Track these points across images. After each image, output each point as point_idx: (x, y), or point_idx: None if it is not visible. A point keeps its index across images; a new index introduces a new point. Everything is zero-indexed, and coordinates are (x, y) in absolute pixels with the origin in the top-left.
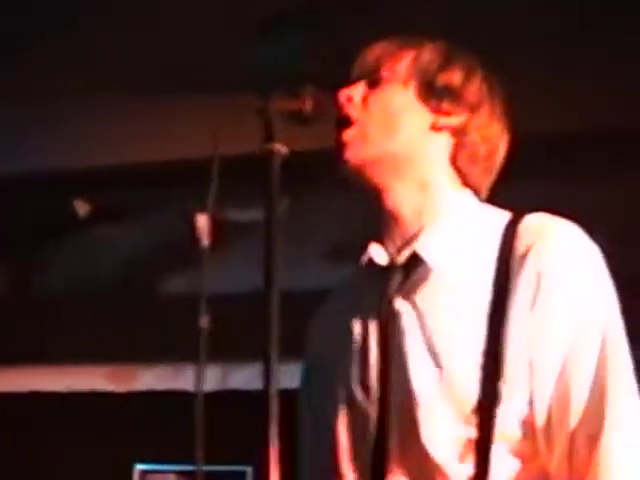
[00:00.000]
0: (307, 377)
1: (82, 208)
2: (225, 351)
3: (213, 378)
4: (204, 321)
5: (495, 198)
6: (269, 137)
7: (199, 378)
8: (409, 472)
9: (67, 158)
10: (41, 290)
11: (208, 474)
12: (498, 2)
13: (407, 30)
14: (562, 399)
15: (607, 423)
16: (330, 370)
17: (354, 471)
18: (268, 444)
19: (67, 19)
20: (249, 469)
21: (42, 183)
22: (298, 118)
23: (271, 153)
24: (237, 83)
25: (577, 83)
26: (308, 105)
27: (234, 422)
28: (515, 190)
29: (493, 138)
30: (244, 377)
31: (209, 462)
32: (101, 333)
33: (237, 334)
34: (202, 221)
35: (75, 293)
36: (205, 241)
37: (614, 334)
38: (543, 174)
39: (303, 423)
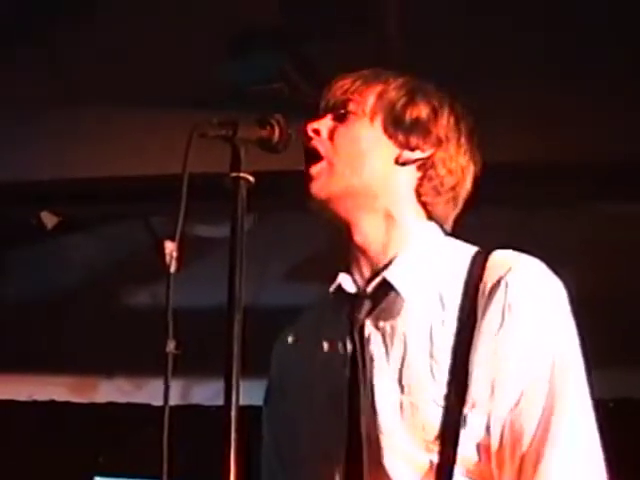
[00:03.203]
0: (270, 397)
1: (50, 220)
2: (187, 366)
3: (175, 393)
4: (170, 346)
5: (463, 225)
6: (236, 165)
7: (165, 400)
8: None
9: (33, 170)
10: (3, 300)
11: None
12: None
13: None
14: (516, 425)
15: (548, 447)
16: (294, 391)
17: None
18: (229, 460)
19: (36, 34)
20: None
21: (7, 193)
22: (266, 146)
23: (238, 181)
24: (206, 100)
25: (548, 113)
26: (276, 134)
27: (194, 437)
28: (483, 217)
29: (459, 171)
30: (206, 393)
31: (169, 477)
32: (62, 343)
33: (200, 349)
34: (170, 248)
35: (38, 303)
36: (172, 268)
37: (567, 368)
38: (510, 202)
39: (265, 441)
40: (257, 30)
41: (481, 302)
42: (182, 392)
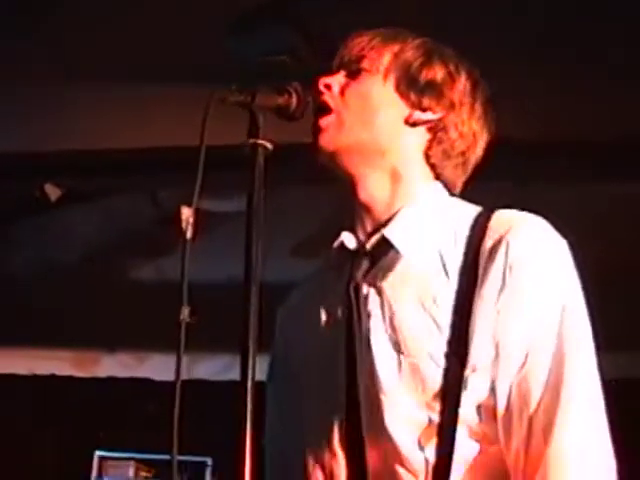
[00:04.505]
0: (274, 368)
1: (53, 192)
2: (192, 341)
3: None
4: (185, 313)
5: (467, 199)
6: (253, 132)
7: (178, 371)
8: (375, 456)
9: (37, 142)
10: (5, 273)
11: (169, 463)
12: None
13: (390, 23)
14: (523, 388)
15: (560, 412)
16: (297, 359)
17: (317, 461)
18: (244, 435)
19: (36, 5)
20: (209, 460)
21: (11, 166)
22: (284, 114)
23: (256, 148)
24: (217, 75)
25: (546, 91)
26: (294, 101)
27: (196, 413)
28: (484, 192)
29: (470, 136)
30: (211, 368)
31: (169, 452)
32: (65, 318)
33: (204, 325)
34: (187, 214)
35: (40, 277)
36: (189, 234)
37: (575, 326)
38: (514, 178)
39: (269, 412)
40: (264, 2)
41: (482, 262)
42: (186, 367)
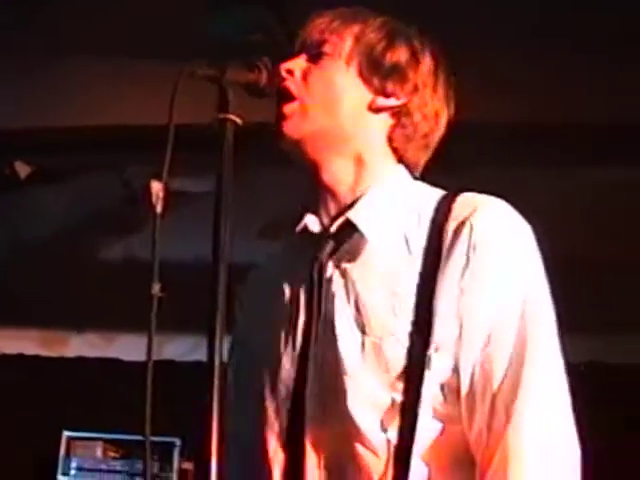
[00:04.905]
0: (234, 350)
1: (23, 170)
2: (159, 321)
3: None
4: (156, 288)
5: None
6: (223, 107)
7: (149, 347)
8: (327, 438)
9: (7, 119)
10: None
11: (138, 443)
12: None
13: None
14: (485, 368)
15: (522, 392)
16: (256, 341)
17: (277, 438)
18: (211, 416)
19: None
20: (177, 440)
21: None
22: (253, 90)
23: (225, 123)
24: (190, 54)
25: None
26: (264, 77)
27: (164, 393)
28: (457, 178)
29: (433, 117)
30: (179, 349)
31: (138, 432)
32: (33, 297)
33: (172, 305)
34: (156, 188)
35: (8, 255)
36: (159, 208)
37: (537, 309)
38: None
39: (228, 395)
40: None
41: (446, 243)
42: (155, 348)
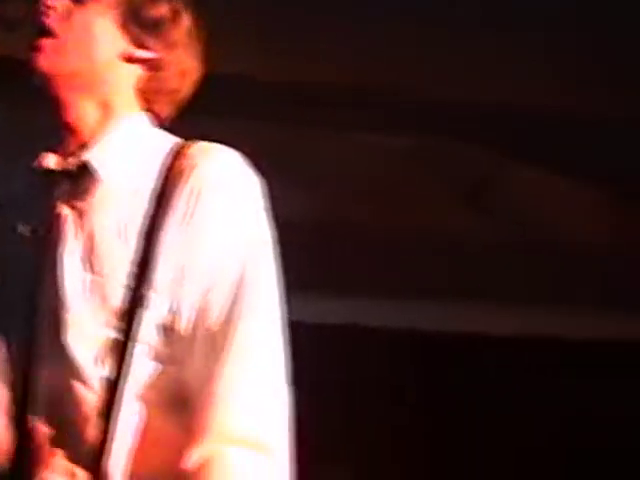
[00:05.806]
0: None
1: None
2: None
3: None
4: None
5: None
6: None
7: None
8: (52, 373)
9: None
10: None
11: None
12: None
13: None
14: (204, 311)
15: (236, 340)
16: None
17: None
18: None
19: None
20: None
21: None
22: (6, 22)
23: None
24: None
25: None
26: (15, 10)
27: None
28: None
29: (185, 74)
30: None
31: None
32: None
33: None
34: None
35: None
36: None
37: (260, 260)
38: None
39: None
40: None
41: (171, 188)
42: None
